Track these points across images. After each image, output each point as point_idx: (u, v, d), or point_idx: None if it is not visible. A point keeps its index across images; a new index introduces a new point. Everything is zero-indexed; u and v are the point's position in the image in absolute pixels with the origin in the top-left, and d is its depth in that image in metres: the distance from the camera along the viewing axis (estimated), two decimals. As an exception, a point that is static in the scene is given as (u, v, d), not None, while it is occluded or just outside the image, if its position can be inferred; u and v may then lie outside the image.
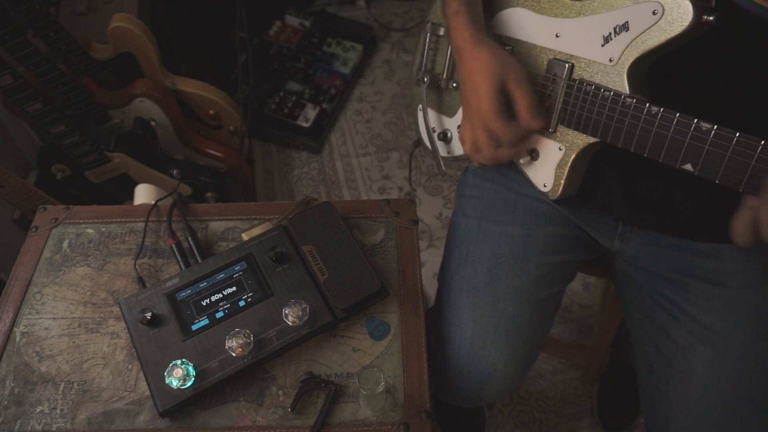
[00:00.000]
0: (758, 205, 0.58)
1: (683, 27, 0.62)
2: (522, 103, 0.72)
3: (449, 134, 0.93)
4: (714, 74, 0.67)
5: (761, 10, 0.61)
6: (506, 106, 0.73)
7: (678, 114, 0.63)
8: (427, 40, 0.91)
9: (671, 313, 0.81)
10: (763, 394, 0.76)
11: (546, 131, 0.78)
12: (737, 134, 0.59)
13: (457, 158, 0.95)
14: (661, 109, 0.64)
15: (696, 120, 0.62)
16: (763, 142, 0.58)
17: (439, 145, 0.95)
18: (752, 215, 0.59)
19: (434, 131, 0.95)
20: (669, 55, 0.66)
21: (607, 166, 0.79)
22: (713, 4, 0.63)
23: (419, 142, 1.02)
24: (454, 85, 0.89)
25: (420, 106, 0.96)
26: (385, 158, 1.85)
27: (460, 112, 0.90)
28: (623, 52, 0.67)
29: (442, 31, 0.89)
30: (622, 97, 0.68)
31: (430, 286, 1.47)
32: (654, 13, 0.63)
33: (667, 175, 0.67)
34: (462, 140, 0.79)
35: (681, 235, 0.81)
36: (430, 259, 1.60)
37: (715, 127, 0.60)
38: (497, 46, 0.74)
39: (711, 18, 0.61)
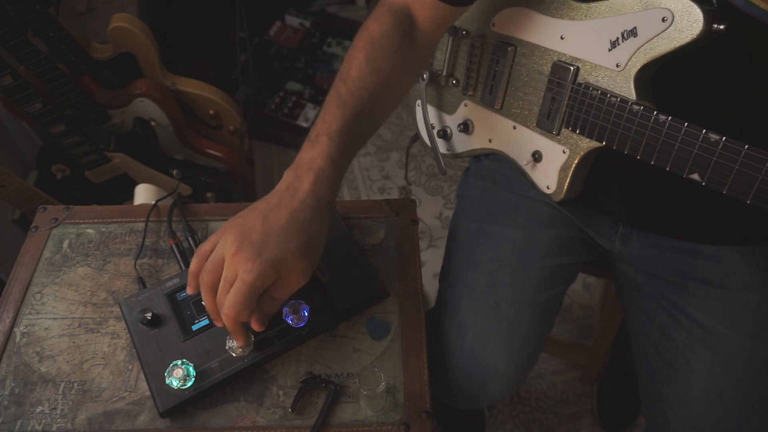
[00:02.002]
0: None
1: (693, 35, 0.61)
2: (269, 309, 0.63)
3: (449, 131, 0.93)
4: (721, 83, 0.67)
5: None
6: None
7: (686, 124, 0.62)
8: None
9: (672, 314, 0.81)
10: (764, 396, 0.76)
11: (549, 133, 0.78)
12: (746, 147, 0.59)
13: (458, 156, 0.95)
14: (669, 117, 0.64)
15: (705, 131, 0.61)
16: None
17: (439, 142, 0.95)
18: None
19: (433, 128, 0.94)
20: (676, 62, 0.66)
21: (607, 169, 0.79)
22: (715, 3, 0.63)
23: (416, 137, 1.02)
24: (454, 82, 0.89)
25: (419, 103, 0.95)
26: (385, 158, 1.85)
27: (460, 109, 0.90)
28: (631, 58, 0.67)
29: None
30: (629, 103, 0.67)
31: (431, 286, 1.47)
32: (663, 20, 0.63)
33: (667, 178, 0.67)
34: (200, 251, 0.63)
35: (681, 237, 0.81)
36: (430, 259, 1.60)
37: (724, 138, 0.60)
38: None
39: (722, 27, 0.60)
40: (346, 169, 0.66)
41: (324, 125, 0.65)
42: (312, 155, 0.63)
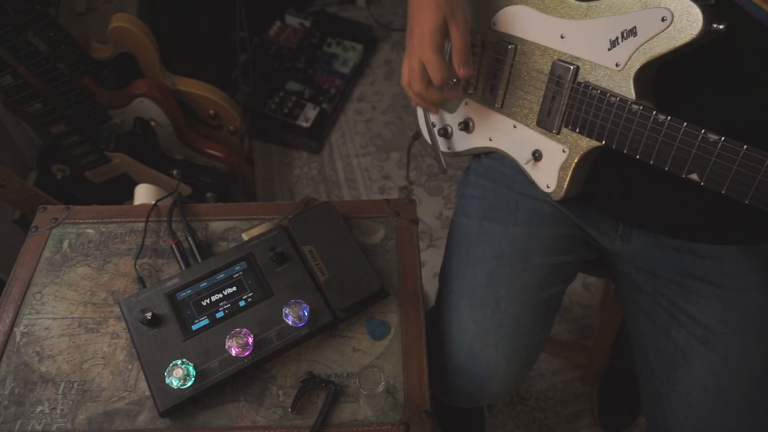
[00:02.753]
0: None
1: (693, 35, 0.61)
2: (455, 47, 0.74)
3: (450, 130, 0.93)
4: (720, 82, 0.67)
5: None
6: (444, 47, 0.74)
7: (685, 124, 0.62)
8: None
9: (672, 314, 0.81)
10: (764, 395, 0.76)
11: (549, 132, 0.78)
12: (744, 147, 0.58)
13: (458, 154, 0.95)
14: (668, 117, 0.64)
15: (703, 131, 0.61)
16: None
17: (440, 141, 0.95)
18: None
19: (434, 126, 0.94)
20: (675, 61, 0.66)
21: (607, 168, 0.79)
22: (713, 1, 0.62)
23: (418, 135, 1.02)
24: (455, 80, 0.89)
25: None
26: (385, 158, 1.85)
27: (460, 108, 0.90)
28: (630, 57, 0.67)
29: None
30: (629, 103, 0.67)
31: (430, 286, 1.47)
32: (663, 19, 0.62)
33: (667, 177, 0.67)
34: (402, 72, 0.81)
35: (682, 237, 0.81)
36: (430, 259, 1.60)
37: (722, 138, 0.60)
38: None
39: (721, 26, 0.60)
40: None
41: None
42: None
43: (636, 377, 0.89)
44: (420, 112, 0.97)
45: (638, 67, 0.66)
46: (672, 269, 0.82)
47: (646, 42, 0.65)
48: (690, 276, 0.80)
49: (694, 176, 0.63)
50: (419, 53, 0.75)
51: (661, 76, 0.68)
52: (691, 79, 0.68)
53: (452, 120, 0.92)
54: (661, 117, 0.64)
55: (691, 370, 0.78)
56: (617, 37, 0.67)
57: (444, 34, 0.73)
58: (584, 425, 1.34)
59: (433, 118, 0.95)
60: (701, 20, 0.60)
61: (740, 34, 0.62)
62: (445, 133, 0.93)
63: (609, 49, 0.68)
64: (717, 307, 0.78)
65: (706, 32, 0.60)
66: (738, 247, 0.79)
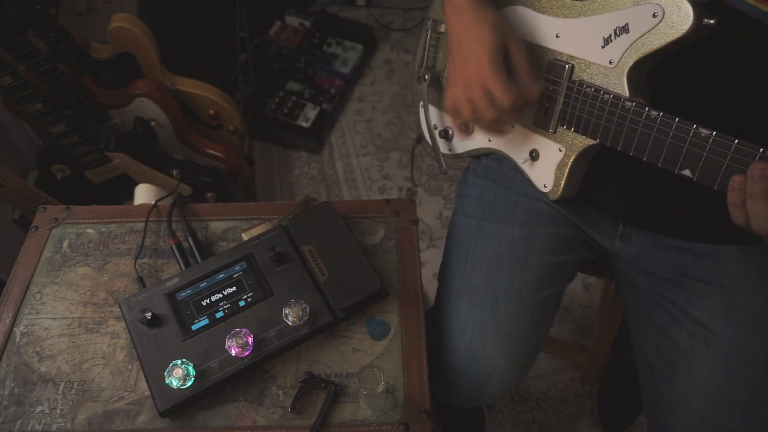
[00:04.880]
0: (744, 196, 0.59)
1: (683, 30, 0.61)
2: (522, 66, 0.71)
3: (450, 132, 0.93)
4: (714, 78, 0.67)
5: (760, 14, 0.61)
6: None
7: (677, 119, 0.63)
8: (428, 37, 0.91)
9: (672, 314, 0.81)
10: (765, 395, 0.76)
11: (546, 132, 0.78)
12: (736, 141, 0.59)
13: (458, 156, 0.95)
14: (660, 113, 0.64)
15: (695, 126, 0.61)
16: (761, 149, 0.57)
17: (441, 142, 0.95)
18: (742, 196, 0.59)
19: (435, 128, 0.95)
20: (670, 58, 0.66)
21: (605, 168, 0.79)
22: None
23: (421, 138, 1.02)
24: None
25: (421, 103, 0.96)
26: (385, 158, 1.85)
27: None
28: (623, 54, 0.67)
29: (442, 28, 0.89)
30: (622, 100, 0.67)
31: (430, 286, 1.47)
32: (654, 15, 0.63)
33: (665, 177, 0.67)
34: (448, 104, 0.76)
35: (681, 237, 0.81)
36: (430, 259, 1.60)
37: (714, 133, 0.60)
38: (498, 10, 0.73)
39: (712, 21, 0.60)
40: None
41: None
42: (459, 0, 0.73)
43: (636, 377, 0.89)
44: (422, 113, 0.97)
45: (631, 63, 0.67)
46: (672, 269, 0.82)
47: (638, 38, 0.65)
48: (690, 276, 0.80)
49: (686, 172, 0.64)
50: (480, 79, 0.71)
51: (656, 72, 0.68)
52: (685, 76, 0.68)
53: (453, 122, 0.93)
54: (654, 113, 0.64)
55: (692, 370, 0.78)
56: (610, 35, 0.68)
57: (502, 55, 0.71)
58: (584, 425, 1.34)
59: (434, 120, 0.95)
60: (692, 15, 0.60)
61: (732, 30, 0.62)
62: (446, 135, 0.94)
63: (602, 47, 0.69)
64: (718, 307, 0.78)
65: (697, 27, 0.61)
66: (738, 247, 0.79)
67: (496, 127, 0.77)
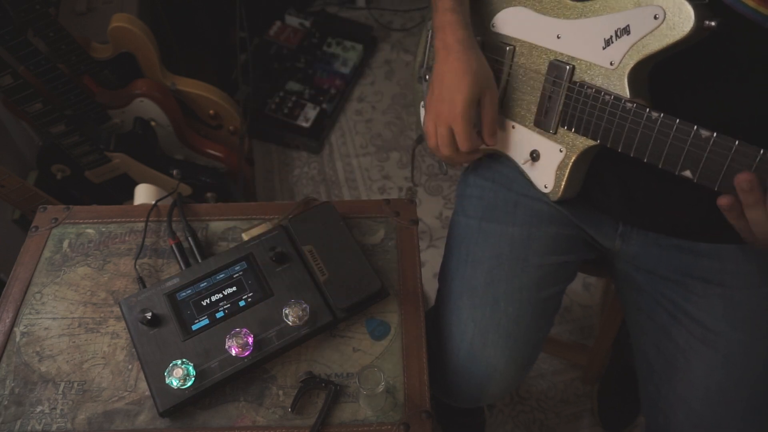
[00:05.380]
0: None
1: (684, 32, 0.61)
2: (489, 119, 0.78)
3: (450, 133, 0.93)
4: (715, 80, 0.67)
5: (760, 17, 0.61)
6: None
7: (678, 120, 0.63)
8: (429, 37, 0.91)
9: (672, 313, 0.81)
10: (765, 395, 0.76)
11: (547, 132, 0.78)
12: (737, 142, 0.59)
13: (458, 158, 0.95)
14: (661, 114, 0.64)
15: (696, 127, 0.61)
16: (762, 150, 0.57)
17: (440, 144, 0.95)
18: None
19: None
20: (670, 60, 0.66)
21: (606, 168, 0.79)
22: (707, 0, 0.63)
23: (421, 138, 1.02)
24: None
25: (422, 104, 0.95)
26: (385, 158, 1.85)
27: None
28: (624, 55, 0.67)
29: None
30: (623, 101, 0.67)
31: (430, 286, 1.47)
32: (655, 17, 0.63)
33: (666, 178, 0.67)
34: (427, 134, 0.82)
35: (681, 236, 0.81)
36: (430, 259, 1.60)
37: (715, 134, 0.60)
38: (484, 58, 0.77)
39: (713, 24, 0.60)
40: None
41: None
42: (450, 40, 0.77)
43: (636, 377, 0.89)
44: (422, 114, 0.97)
45: (632, 65, 0.67)
46: (672, 268, 0.82)
47: (639, 40, 0.65)
48: (690, 275, 0.80)
49: (687, 173, 0.63)
50: (450, 120, 0.77)
51: (657, 74, 0.68)
52: (686, 77, 0.68)
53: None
54: (654, 114, 0.64)
55: (691, 370, 0.78)
56: (611, 36, 0.68)
57: (476, 105, 0.76)
58: (584, 425, 1.34)
59: None
60: (693, 17, 0.60)
61: (733, 32, 0.62)
62: (445, 134, 0.94)
63: (603, 48, 0.69)
64: (717, 306, 0.78)
65: (698, 29, 0.61)
66: (738, 246, 0.79)
67: (449, 160, 0.84)
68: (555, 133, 0.77)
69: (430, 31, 0.90)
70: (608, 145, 0.71)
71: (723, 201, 0.60)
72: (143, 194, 1.00)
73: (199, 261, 0.78)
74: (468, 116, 0.76)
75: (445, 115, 0.77)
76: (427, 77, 0.90)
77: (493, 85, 0.77)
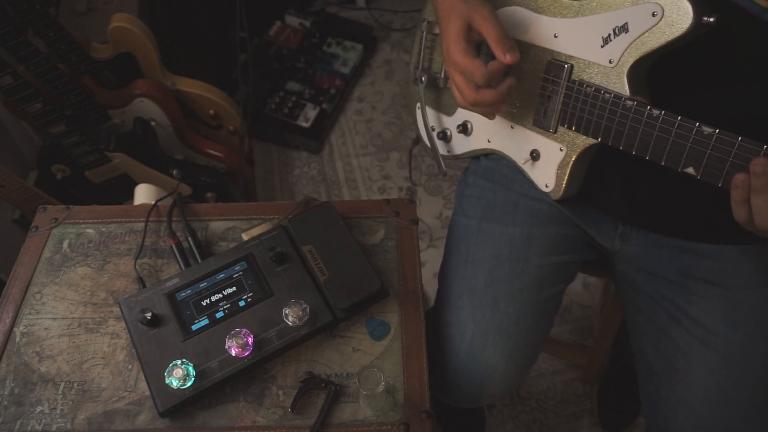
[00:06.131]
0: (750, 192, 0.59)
1: (683, 29, 0.61)
2: (490, 38, 0.70)
3: (449, 133, 0.93)
4: (715, 75, 0.67)
5: (759, 10, 0.61)
6: (475, 46, 0.73)
7: (680, 117, 0.62)
8: (423, 38, 0.91)
9: (672, 314, 0.81)
10: (765, 396, 0.76)
11: (546, 132, 0.78)
12: (739, 138, 0.58)
13: (457, 157, 0.95)
14: (663, 112, 0.64)
15: (698, 124, 0.61)
16: (765, 146, 0.57)
17: (439, 144, 0.95)
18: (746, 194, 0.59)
19: (433, 130, 0.94)
20: (670, 56, 0.66)
21: (606, 167, 0.79)
22: None
23: (418, 139, 1.02)
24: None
25: (418, 105, 0.95)
26: (385, 158, 1.85)
27: (459, 111, 0.90)
28: (623, 53, 0.67)
29: (437, 29, 0.89)
30: (623, 99, 0.67)
31: (430, 286, 1.47)
32: (653, 14, 0.63)
33: (667, 176, 0.67)
34: (456, 98, 0.78)
35: (682, 236, 0.81)
36: (430, 259, 1.60)
37: (717, 131, 0.60)
38: None
39: (711, 19, 0.60)
40: None
41: None
42: None
43: (636, 377, 0.89)
44: (418, 115, 0.97)
45: (631, 63, 0.67)
46: (672, 269, 0.82)
47: (637, 37, 0.65)
48: (691, 276, 0.80)
49: (690, 170, 0.63)
50: (454, 65, 0.74)
51: (657, 71, 0.68)
52: (687, 73, 0.68)
53: (451, 123, 0.92)
54: (656, 112, 0.64)
55: (691, 371, 0.78)
56: (609, 34, 0.67)
57: (467, 36, 0.72)
58: (584, 425, 1.34)
59: (432, 121, 0.95)
60: (691, 14, 0.60)
61: (733, 27, 0.62)
62: (444, 136, 0.94)
63: (602, 47, 0.69)
64: (717, 307, 0.78)
65: (697, 26, 0.61)
66: (738, 247, 0.79)
67: (484, 110, 0.77)
68: (555, 132, 0.77)
69: (425, 33, 0.90)
70: (609, 144, 0.71)
71: (739, 177, 0.58)
72: (143, 194, 1.00)
73: (199, 261, 0.78)
74: (462, 46, 0.71)
75: (450, 63, 0.74)
76: (423, 78, 0.90)
77: (479, 7, 0.71)
